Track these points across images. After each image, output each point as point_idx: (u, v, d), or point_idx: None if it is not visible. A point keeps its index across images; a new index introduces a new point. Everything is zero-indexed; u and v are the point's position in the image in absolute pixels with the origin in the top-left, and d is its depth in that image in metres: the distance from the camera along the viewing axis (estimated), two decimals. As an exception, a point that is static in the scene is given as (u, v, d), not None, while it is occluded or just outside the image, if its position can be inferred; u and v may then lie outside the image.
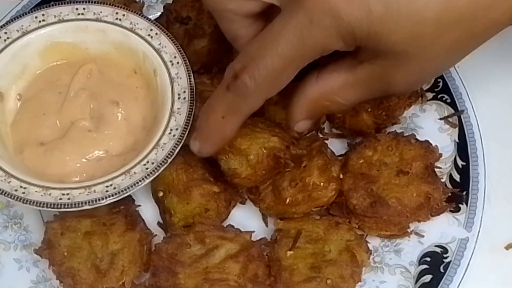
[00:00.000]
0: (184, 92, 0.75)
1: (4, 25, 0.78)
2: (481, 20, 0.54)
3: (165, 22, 0.84)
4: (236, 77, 0.59)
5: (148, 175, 0.70)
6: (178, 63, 0.77)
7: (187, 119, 0.73)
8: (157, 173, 0.70)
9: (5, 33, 0.77)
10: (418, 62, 0.57)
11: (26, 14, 0.79)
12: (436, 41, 0.55)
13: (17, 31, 0.77)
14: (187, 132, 0.72)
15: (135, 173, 0.70)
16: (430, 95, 0.83)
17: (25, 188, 0.69)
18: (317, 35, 0.54)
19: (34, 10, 0.80)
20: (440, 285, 0.73)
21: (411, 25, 0.53)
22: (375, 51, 0.56)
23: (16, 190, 0.69)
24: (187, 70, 0.76)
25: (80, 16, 0.78)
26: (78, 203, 0.68)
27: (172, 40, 0.78)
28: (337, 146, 0.80)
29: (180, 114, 0.74)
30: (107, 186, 0.70)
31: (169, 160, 0.71)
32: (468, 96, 0.82)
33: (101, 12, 0.78)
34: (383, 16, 0.52)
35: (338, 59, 0.61)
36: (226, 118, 0.63)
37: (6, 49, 0.77)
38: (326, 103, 0.64)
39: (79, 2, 0.79)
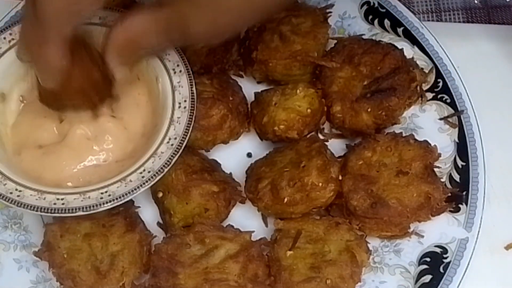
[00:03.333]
0: (185, 101, 0.74)
1: (9, 26, 0.77)
2: None
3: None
4: (35, 0, 0.60)
5: (144, 183, 0.69)
6: (180, 71, 0.76)
7: (186, 129, 0.73)
8: (152, 182, 0.69)
9: (10, 34, 0.77)
10: (210, 14, 0.60)
11: None
12: None
13: None
14: (185, 142, 0.72)
15: (130, 181, 0.70)
16: (430, 95, 0.83)
17: (20, 191, 0.69)
18: None
19: None
20: (440, 285, 0.73)
21: None
22: None
23: (11, 193, 0.69)
24: (189, 79, 0.75)
25: (86, 20, 0.78)
26: (73, 209, 0.68)
27: (175, 47, 0.77)
28: (336, 147, 0.80)
29: (179, 123, 0.73)
30: (102, 193, 0.69)
31: (166, 170, 0.70)
32: (468, 96, 0.82)
33: (106, 16, 0.78)
34: None
35: (143, 6, 0.63)
36: (42, 46, 0.64)
37: (10, 50, 0.76)
38: (133, 48, 0.65)
39: None
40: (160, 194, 0.75)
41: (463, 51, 0.87)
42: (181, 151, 0.72)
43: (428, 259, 0.75)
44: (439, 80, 0.84)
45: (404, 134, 0.78)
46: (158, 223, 0.78)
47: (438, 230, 0.76)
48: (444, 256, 0.75)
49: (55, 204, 0.68)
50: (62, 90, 0.69)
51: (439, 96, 0.83)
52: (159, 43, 0.65)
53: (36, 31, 0.63)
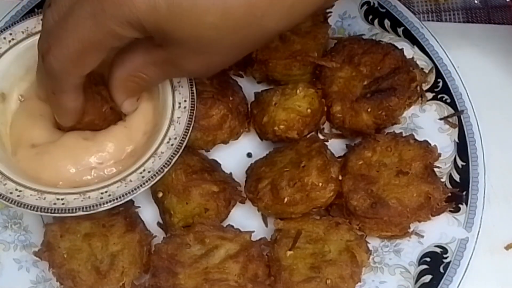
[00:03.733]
0: (185, 101, 0.74)
1: (9, 26, 0.77)
2: (256, 28, 0.58)
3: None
4: (43, 57, 0.63)
5: (144, 183, 0.69)
6: None
7: (186, 129, 0.73)
8: (152, 182, 0.69)
9: (10, 34, 0.76)
10: (202, 56, 0.61)
11: (32, 15, 0.77)
12: (217, 42, 0.58)
13: (22, 32, 0.76)
14: (185, 142, 0.72)
15: (130, 181, 0.70)
16: (430, 95, 0.83)
17: (20, 191, 0.69)
18: (110, 23, 0.57)
19: (41, 12, 0.79)
20: (440, 285, 0.73)
21: (191, 27, 0.56)
22: (165, 40, 0.60)
23: (11, 193, 0.68)
24: (190, 80, 0.75)
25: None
26: (73, 209, 0.67)
27: None
28: (336, 147, 0.80)
29: (179, 124, 0.73)
30: (102, 193, 0.69)
31: (166, 170, 0.70)
32: (468, 96, 0.82)
33: None
34: (167, 15, 0.56)
35: (139, 41, 0.64)
36: (56, 94, 0.67)
37: (10, 50, 0.76)
38: (136, 80, 0.68)
39: None
40: (160, 194, 0.75)
41: (463, 51, 0.87)
42: (181, 151, 0.71)
43: (428, 259, 0.75)
44: (439, 80, 0.84)
45: (404, 134, 0.78)
46: (158, 223, 0.78)
47: (438, 230, 0.76)
48: (444, 256, 0.75)
49: (55, 204, 0.68)
50: (76, 124, 0.73)
51: (439, 96, 0.83)
52: (158, 75, 0.67)
53: (49, 80, 0.66)
